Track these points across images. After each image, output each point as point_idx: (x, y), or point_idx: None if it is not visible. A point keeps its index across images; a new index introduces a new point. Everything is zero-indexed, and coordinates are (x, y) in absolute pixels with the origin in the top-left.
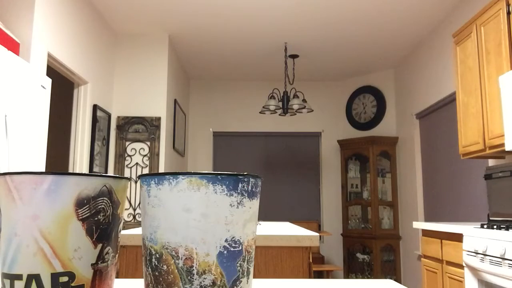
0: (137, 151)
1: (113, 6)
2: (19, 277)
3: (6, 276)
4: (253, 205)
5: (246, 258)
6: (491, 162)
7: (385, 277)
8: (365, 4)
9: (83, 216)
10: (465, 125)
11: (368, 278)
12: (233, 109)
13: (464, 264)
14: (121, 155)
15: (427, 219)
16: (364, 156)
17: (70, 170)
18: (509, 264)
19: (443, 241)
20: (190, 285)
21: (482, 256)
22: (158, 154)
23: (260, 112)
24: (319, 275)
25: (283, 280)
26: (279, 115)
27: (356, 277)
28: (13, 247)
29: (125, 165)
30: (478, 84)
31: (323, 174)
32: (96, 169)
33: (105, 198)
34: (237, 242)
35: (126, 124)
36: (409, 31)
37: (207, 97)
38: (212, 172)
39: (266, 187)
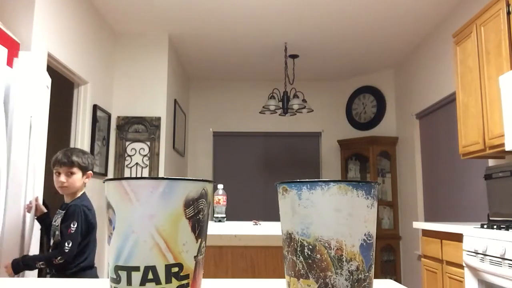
0: (137, 151)
1: (113, 6)
2: (136, 268)
3: (122, 268)
4: (376, 207)
5: (374, 249)
6: (491, 162)
7: (385, 277)
8: (365, 4)
9: (189, 215)
10: (465, 125)
11: None
12: (233, 109)
13: (464, 264)
14: (121, 155)
15: (427, 219)
16: (364, 156)
17: None
18: (509, 264)
19: (443, 241)
20: (340, 270)
21: (482, 256)
22: (158, 154)
23: (260, 112)
24: None
25: (283, 280)
26: (279, 115)
27: None
28: (130, 242)
29: (125, 165)
30: (478, 84)
31: (323, 174)
32: (96, 169)
33: (203, 199)
34: (371, 236)
35: (126, 124)
36: (409, 31)
37: (207, 97)
38: (354, 180)
39: (265, 187)
